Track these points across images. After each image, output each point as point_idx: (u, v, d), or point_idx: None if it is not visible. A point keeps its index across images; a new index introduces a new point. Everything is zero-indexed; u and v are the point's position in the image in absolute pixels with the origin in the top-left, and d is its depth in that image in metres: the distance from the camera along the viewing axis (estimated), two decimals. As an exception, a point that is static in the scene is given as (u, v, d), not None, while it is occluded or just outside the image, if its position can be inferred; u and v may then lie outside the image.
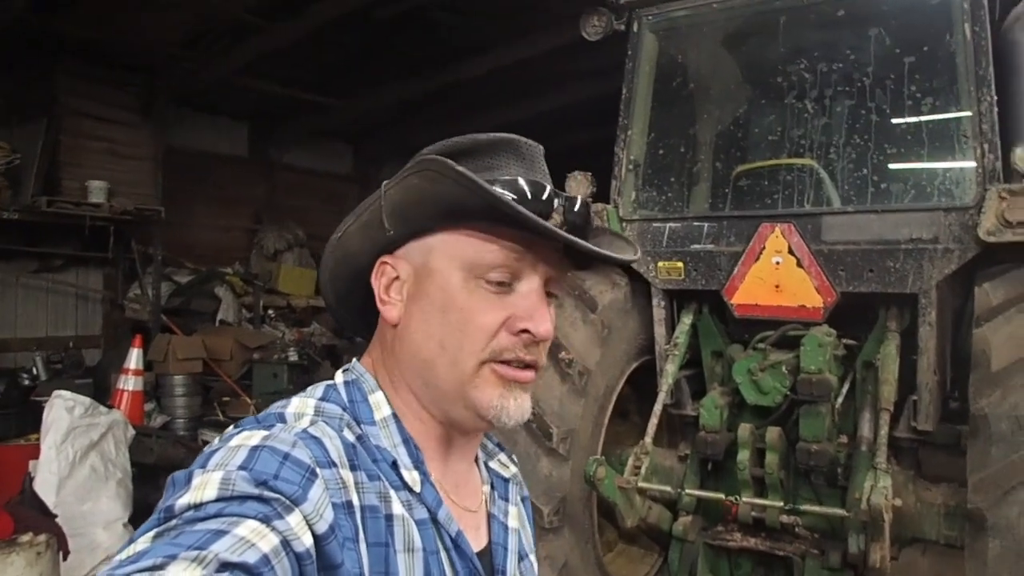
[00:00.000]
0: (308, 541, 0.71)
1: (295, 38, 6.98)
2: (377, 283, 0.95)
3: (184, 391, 7.14)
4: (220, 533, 0.65)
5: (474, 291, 0.89)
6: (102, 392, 6.55)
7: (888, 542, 2.67)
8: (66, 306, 8.05)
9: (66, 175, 7.21)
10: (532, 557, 1.10)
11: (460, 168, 0.82)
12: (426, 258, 0.92)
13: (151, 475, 5.12)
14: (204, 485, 0.71)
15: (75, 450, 4.10)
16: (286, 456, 0.76)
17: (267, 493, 0.71)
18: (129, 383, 6.13)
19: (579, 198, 0.94)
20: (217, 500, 0.69)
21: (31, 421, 4.78)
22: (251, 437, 0.78)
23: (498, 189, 0.85)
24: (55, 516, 3.59)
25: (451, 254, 0.90)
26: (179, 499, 0.70)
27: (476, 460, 1.07)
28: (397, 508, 0.87)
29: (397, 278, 0.94)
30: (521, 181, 0.89)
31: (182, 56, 7.59)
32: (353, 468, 0.84)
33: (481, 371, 0.89)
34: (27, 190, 6.91)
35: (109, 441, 4.35)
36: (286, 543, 0.69)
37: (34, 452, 4.16)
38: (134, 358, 6.24)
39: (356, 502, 0.82)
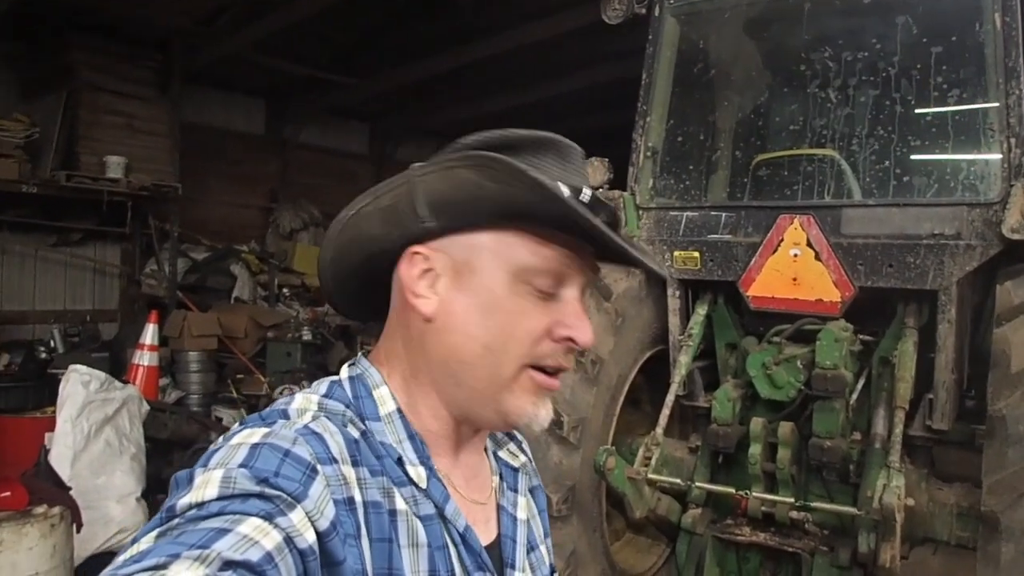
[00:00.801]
0: (311, 538, 0.71)
1: (312, 15, 6.95)
2: (407, 273, 0.90)
3: (199, 367, 7.21)
4: (223, 531, 0.65)
5: (521, 295, 0.87)
6: (118, 366, 6.63)
7: (899, 542, 2.64)
8: (84, 280, 8.14)
9: (84, 149, 7.24)
10: (543, 548, 1.09)
11: (535, 175, 0.80)
12: (469, 255, 0.88)
13: (165, 450, 5.19)
14: (205, 484, 0.71)
15: (90, 424, 4.14)
16: (287, 453, 0.75)
17: (268, 490, 0.71)
18: (144, 358, 6.20)
19: (610, 202, 0.95)
20: (219, 499, 0.69)
21: (48, 394, 4.84)
22: (252, 435, 0.78)
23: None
24: (69, 489, 3.64)
25: (501, 255, 0.87)
26: (181, 499, 0.70)
27: (485, 450, 1.06)
28: (400, 503, 0.86)
29: (429, 270, 0.90)
30: (579, 187, 0.87)
31: (199, 32, 7.58)
32: (355, 464, 0.84)
33: (520, 377, 0.88)
34: (46, 164, 6.95)
35: (124, 416, 4.40)
36: (289, 540, 0.69)
37: (50, 425, 4.22)
38: (150, 334, 6.30)
39: (358, 498, 0.81)
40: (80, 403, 4.11)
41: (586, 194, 0.88)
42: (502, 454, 1.09)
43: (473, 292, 0.88)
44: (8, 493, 3.22)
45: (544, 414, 0.91)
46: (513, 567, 0.99)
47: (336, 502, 0.77)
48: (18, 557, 3.05)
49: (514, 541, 1.01)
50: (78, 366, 4.34)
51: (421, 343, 0.92)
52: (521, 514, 1.05)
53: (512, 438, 1.14)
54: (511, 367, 0.88)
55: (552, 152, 0.90)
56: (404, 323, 0.94)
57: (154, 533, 0.67)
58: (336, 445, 0.82)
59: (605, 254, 0.92)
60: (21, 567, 3.05)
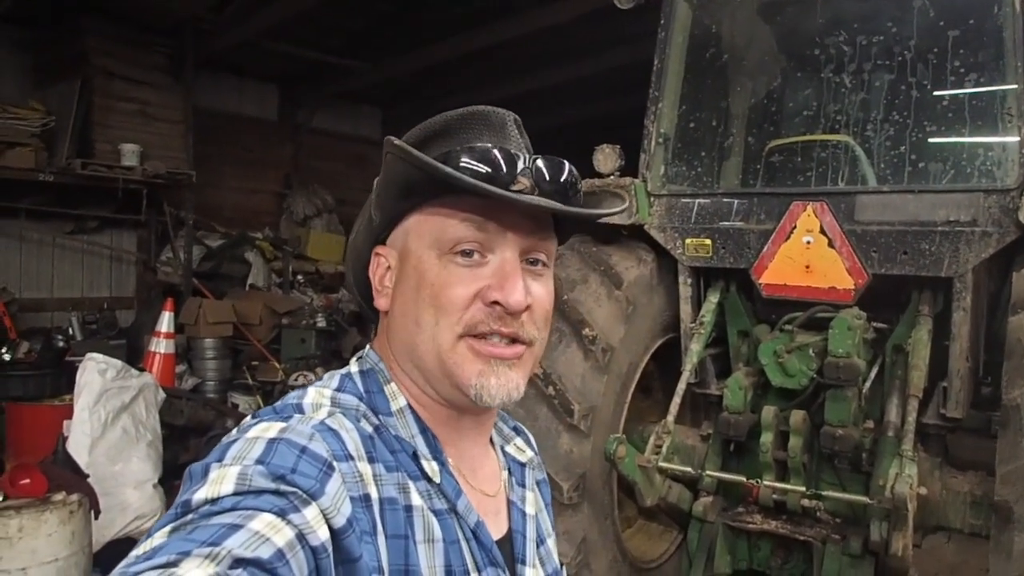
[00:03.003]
0: (324, 535, 0.71)
1: (324, 0, 6.92)
2: (373, 274, 0.97)
3: (214, 354, 7.27)
4: (235, 528, 0.65)
5: (446, 266, 0.88)
6: (136, 352, 6.70)
7: (911, 531, 2.63)
8: (100, 267, 8.21)
9: (99, 137, 7.29)
10: (550, 542, 1.10)
11: (399, 142, 0.83)
12: (404, 241, 0.93)
13: (181, 436, 5.25)
14: (221, 479, 0.71)
15: (107, 412, 4.19)
16: (303, 449, 0.76)
17: (284, 487, 0.71)
18: (161, 346, 6.26)
19: (563, 162, 0.92)
20: (234, 494, 0.69)
21: (66, 382, 4.90)
22: (268, 429, 0.78)
23: (465, 159, 0.85)
24: (87, 476, 3.69)
25: (421, 233, 0.91)
26: (196, 493, 0.70)
27: (493, 444, 1.06)
28: (416, 499, 0.87)
29: (389, 267, 0.95)
30: (481, 148, 0.87)
31: (211, 18, 7.57)
32: (371, 460, 0.84)
33: (458, 346, 0.88)
34: (61, 152, 7.00)
35: (140, 403, 4.45)
36: (302, 536, 0.69)
37: (68, 413, 4.28)
38: (165, 321, 6.35)
39: (374, 495, 0.82)
40: (97, 391, 4.16)
41: (523, 157, 0.89)
42: (509, 449, 1.10)
43: (408, 274, 0.91)
44: (27, 480, 3.27)
45: (495, 384, 0.88)
46: (524, 562, 0.99)
47: (352, 499, 0.78)
48: (37, 543, 3.10)
49: (524, 536, 1.02)
50: (95, 354, 4.39)
51: (387, 336, 0.96)
52: (530, 509, 1.06)
53: (519, 433, 1.15)
54: (446, 338, 0.88)
55: (480, 123, 0.92)
56: (380, 320, 0.99)
57: (167, 528, 0.67)
58: (352, 441, 0.83)
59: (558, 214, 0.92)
60: (40, 553, 3.11)
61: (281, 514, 0.68)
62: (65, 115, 7.05)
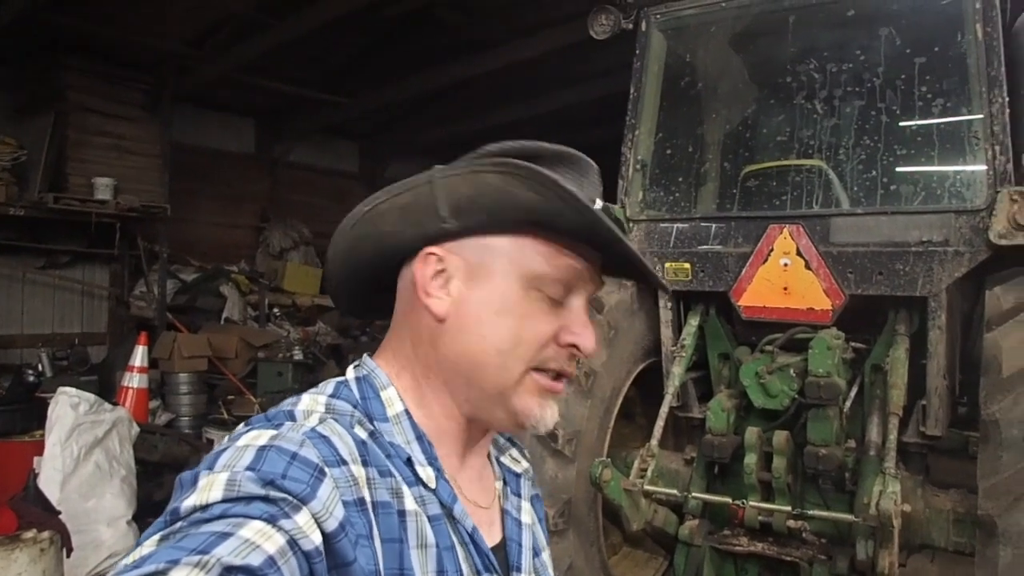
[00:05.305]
0: (317, 539, 0.70)
1: (303, 35, 6.98)
2: (421, 273, 0.91)
3: (189, 389, 7.15)
4: (224, 536, 0.64)
5: (532, 300, 0.90)
6: (107, 389, 6.56)
7: (897, 548, 2.64)
8: (72, 303, 8.06)
9: (72, 171, 7.21)
10: (545, 554, 1.09)
11: (567, 185, 0.83)
12: (485, 258, 0.90)
13: (155, 472, 5.14)
14: (210, 486, 0.70)
15: (79, 447, 4.10)
16: (294, 456, 0.75)
17: (274, 493, 0.70)
18: (134, 380, 6.15)
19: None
20: (223, 501, 0.68)
21: (36, 418, 4.78)
22: (259, 436, 0.77)
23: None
24: (59, 513, 3.58)
25: (516, 260, 0.90)
26: (185, 501, 0.69)
27: (488, 455, 1.06)
28: (410, 504, 0.86)
29: (443, 271, 0.91)
30: (596, 200, 0.91)
31: (190, 52, 7.59)
32: (364, 464, 0.83)
33: (525, 379, 0.90)
34: (34, 186, 6.91)
35: (113, 438, 4.35)
36: (293, 542, 0.68)
37: (38, 449, 4.17)
38: (139, 355, 6.25)
39: (368, 498, 0.81)
40: (69, 426, 4.07)
41: (599, 207, 0.91)
42: (505, 460, 1.10)
43: (486, 294, 0.90)
44: (-3, 517, 3.18)
45: (549, 416, 0.93)
46: (519, 570, 0.99)
47: (346, 503, 0.77)
48: (7, 582, 3.01)
49: (519, 544, 1.01)
50: (67, 388, 4.30)
51: (432, 343, 0.92)
52: (526, 518, 1.05)
53: (514, 444, 1.15)
54: (518, 369, 0.90)
55: (569, 165, 0.93)
56: (414, 323, 0.94)
57: (156, 536, 0.66)
58: (344, 447, 0.82)
59: (616, 266, 0.94)
60: (10, 592, 3.01)
61: (271, 520, 0.67)
62: (38, 149, 6.99)
